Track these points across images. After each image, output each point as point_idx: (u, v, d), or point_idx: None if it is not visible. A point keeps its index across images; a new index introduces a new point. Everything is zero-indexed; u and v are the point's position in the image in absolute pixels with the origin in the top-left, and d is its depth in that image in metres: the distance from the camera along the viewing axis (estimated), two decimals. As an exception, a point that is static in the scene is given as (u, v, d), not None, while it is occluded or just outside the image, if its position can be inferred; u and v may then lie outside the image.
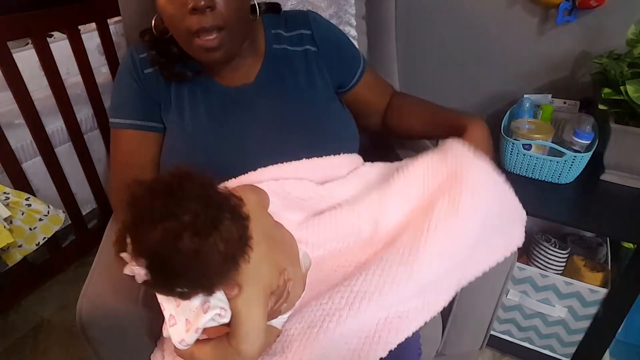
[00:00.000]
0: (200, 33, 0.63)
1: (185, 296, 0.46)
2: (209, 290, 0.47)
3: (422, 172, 0.68)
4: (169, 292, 0.45)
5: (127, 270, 0.43)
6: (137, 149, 0.75)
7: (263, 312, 0.51)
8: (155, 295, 0.50)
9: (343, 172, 0.74)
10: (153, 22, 0.73)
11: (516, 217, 0.70)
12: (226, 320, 0.49)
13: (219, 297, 0.48)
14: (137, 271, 0.42)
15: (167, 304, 0.50)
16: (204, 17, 0.62)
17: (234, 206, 0.47)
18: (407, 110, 0.87)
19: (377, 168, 0.77)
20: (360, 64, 0.85)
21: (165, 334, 0.53)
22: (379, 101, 0.89)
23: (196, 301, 0.47)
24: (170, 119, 0.74)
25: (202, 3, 0.60)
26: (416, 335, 0.62)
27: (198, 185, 0.45)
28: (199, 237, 0.42)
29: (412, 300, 0.61)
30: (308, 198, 0.69)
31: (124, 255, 0.43)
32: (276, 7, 0.83)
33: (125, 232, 0.43)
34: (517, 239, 0.70)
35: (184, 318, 0.48)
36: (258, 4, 0.75)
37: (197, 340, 0.50)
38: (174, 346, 0.50)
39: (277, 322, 0.58)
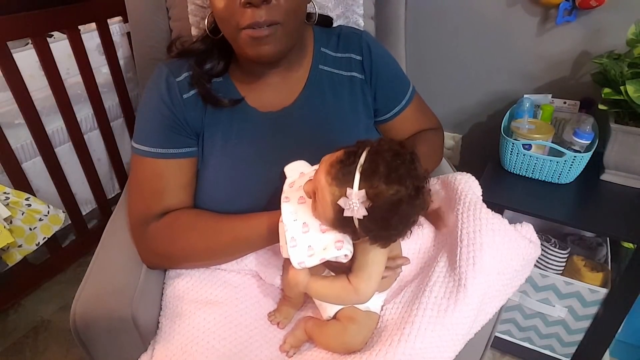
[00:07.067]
0: (251, 28, 0.59)
1: (359, 236, 0.53)
2: (389, 240, 0.54)
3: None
4: (366, 230, 0.51)
5: (342, 202, 0.49)
6: (170, 175, 0.70)
7: (383, 265, 0.58)
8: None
9: None
10: (206, 20, 0.70)
11: (528, 259, 0.66)
12: (344, 261, 0.55)
13: (349, 241, 0.55)
14: (357, 208, 0.49)
15: (292, 227, 0.56)
16: (257, 11, 0.57)
17: (427, 179, 0.54)
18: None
19: None
20: (403, 99, 0.80)
21: (284, 254, 0.56)
22: (407, 134, 0.84)
23: (330, 236, 0.54)
24: (207, 144, 0.71)
25: None
26: None
27: (419, 162, 0.52)
28: (411, 206, 0.50)
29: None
30: None
31: (341, 201, 0.49)
32: (328, 20, 0.81)
33: (353, 169, 0.49)
34: (527, 274, 0.69)
35: (307, 244, 0.55)
36: (310, 13, 0.73)
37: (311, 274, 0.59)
38: (291, 265, 0.56)
39: (375, 303, 0.63)
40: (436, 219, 0.73)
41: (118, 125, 1.50)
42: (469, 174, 0.70)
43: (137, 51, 1.02)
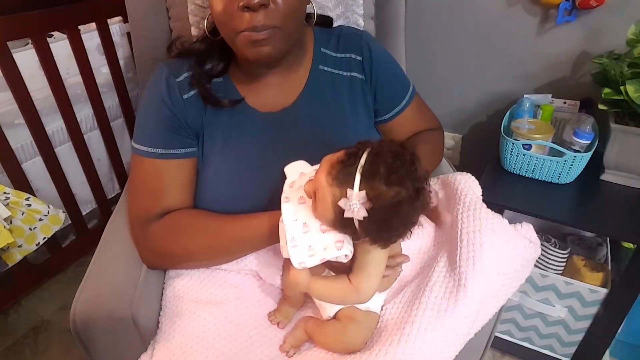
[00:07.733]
0: (249, 31, 0.59)
1: (359, 237, 0.53)
2: (389, 241, 0.54)
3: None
4: (367, 231, 0.51)
5: (342, 203, 0.49)
6: (170, 176, 0.70)
7: (384, 264, 0.59)
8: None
9: None
10: (205, 21, 0.71)
11: (527, 259, 0.66)
12: (344, 261, 0.56)
13: (349, 241, 0.55)
14: (357, 209, 0.49)
15: (292, 227, 0.56)
16: (255, 16, 0.58)
17: (427, 180, 0.54)
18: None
19: None
20: (403, 99, 0.80)
21: (284, 254, 0.56)
22: (407, 134, 0.84)
23: (330, 236, 0.54)
24: (207, 144, 0.71)
25: (256, 0, 0.56)
26: None
27: (419, 163, 0.52)
28: (411, 207, 0.51)
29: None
30: None
31: (341, 202, 0.49)
32: (328, 21, 0.81)
33: (354, 170, 0.49)
34: (527, 274, 0.69)
35: (307, 244, 0.55)
36: (309, 14, 0.73)
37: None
38: (292, 265, 0.56)
39: (375, 303, 0.63)
40: (436, 218, 0.73)
41: (118, 125, 1.50)
42: (469, 174, 0.70)
43: (137, 51, 1.02)
